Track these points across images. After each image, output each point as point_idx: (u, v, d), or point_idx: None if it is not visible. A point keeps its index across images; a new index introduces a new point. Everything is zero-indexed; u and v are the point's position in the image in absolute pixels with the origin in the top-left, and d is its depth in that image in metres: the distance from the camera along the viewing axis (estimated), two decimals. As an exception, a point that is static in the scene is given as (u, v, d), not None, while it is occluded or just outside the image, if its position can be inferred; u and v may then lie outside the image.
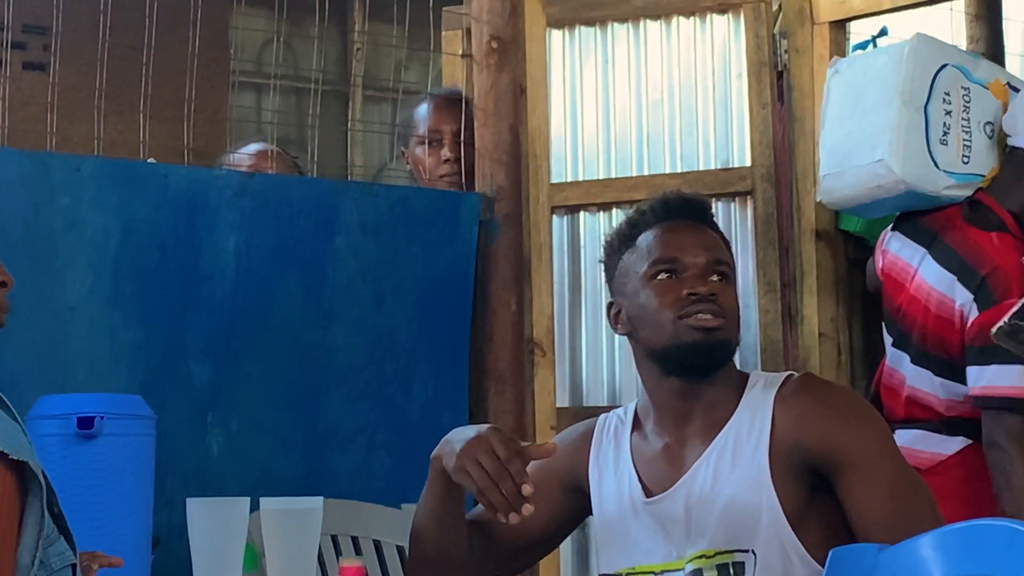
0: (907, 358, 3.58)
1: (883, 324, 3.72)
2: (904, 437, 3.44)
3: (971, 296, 3.42)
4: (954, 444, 3.50)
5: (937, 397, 3.51)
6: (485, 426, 2.29)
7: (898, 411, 3.58)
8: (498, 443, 2.22)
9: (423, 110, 3.78)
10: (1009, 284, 3.39)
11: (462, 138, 3.62)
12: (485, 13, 3.55)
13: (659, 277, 2.40)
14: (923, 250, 3.60)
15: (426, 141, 3.69)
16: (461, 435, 2.29)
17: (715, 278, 2.40)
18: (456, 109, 3.65)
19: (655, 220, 2.46)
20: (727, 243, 2.49)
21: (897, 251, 3.69)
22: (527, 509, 2.19)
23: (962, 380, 3.43)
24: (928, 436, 3.52)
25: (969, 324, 3.41)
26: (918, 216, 3.68)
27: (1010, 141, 3.62)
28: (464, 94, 3.77)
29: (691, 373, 2.38)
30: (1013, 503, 3.27)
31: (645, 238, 2.44)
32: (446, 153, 3.67)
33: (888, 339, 3.67)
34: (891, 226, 3.75)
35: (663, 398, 2.42)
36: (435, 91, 3.89)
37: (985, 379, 3.36)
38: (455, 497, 2.37)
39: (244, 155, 3.70)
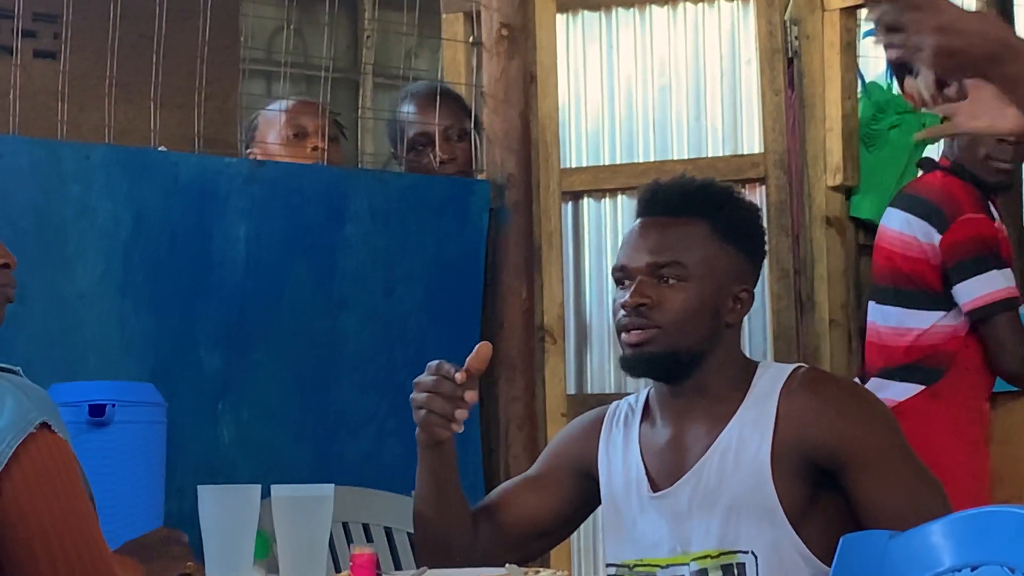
0: (884, 308, 3.71)
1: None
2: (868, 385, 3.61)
3: (925, 224, 3.62)
4: (906, 390, 3.59)
5: (896, 331, 3.64)
6: None
7: (876, 362, 3.72)
8: (424, 375, 2.26)
9: (407, 112, 3.69)
10: (955, 205, 3.61)
11: (451, 133, 3.59)
12: (495, 0, 3.54)
13: (618, 287, 2.36)
14: (893, 209, 3.79)
15: (416, 146, 3.64)
16: None
17: (656, 281, 2.31)
18: (442, 104, 3.58)
19: (634, 218, 2.42)
20: (721, 232, 2.33)
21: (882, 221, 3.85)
22: (470, 396, 2.22)
23: (927, 307, 3.61)
24: (883, 383, 3.61)
25: (937, 248, 3.60)
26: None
27: None
28: (440, 85, 3.70)
29: (659, 381, 2.37)
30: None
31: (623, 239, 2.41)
32: (438, 154, 3.62)
33: (879, 309, 3.75)
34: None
35: (659, 395, 2.40)
36: (414, 90, 3.76)
37: (975, 292, 3.57)
38: (444, 469, 2.34)
39: (277, 110, 3.61)
